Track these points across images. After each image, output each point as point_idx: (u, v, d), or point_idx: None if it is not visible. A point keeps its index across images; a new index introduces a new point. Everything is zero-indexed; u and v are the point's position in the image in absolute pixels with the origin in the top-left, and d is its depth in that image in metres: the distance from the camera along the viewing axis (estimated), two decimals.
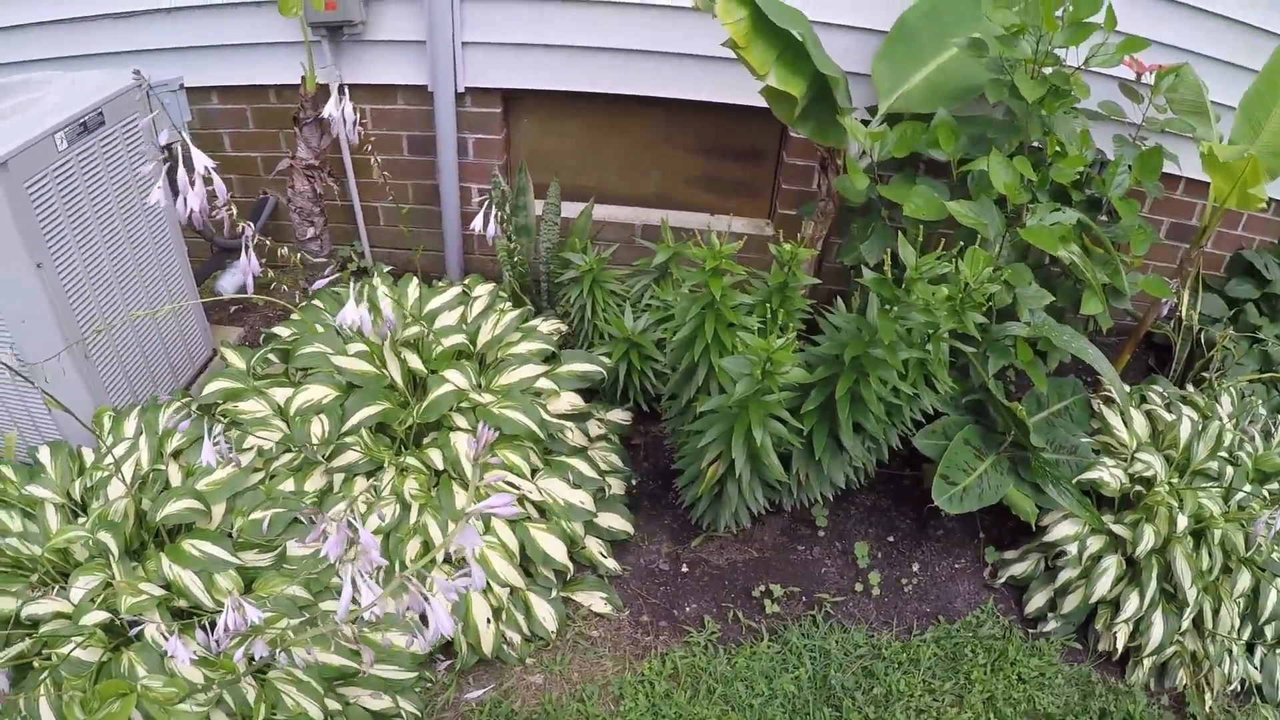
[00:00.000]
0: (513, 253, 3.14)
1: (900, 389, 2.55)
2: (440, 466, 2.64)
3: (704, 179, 3.58)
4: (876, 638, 2.75)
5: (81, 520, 2.61)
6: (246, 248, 2.29)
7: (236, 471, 2.56)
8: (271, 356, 2.98)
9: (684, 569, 2.91)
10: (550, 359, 2.90)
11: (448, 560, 2.56)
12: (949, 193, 2.92)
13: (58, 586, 2.52)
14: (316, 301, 3.08)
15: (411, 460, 2.65)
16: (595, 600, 2.76)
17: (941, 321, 2.48)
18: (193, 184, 2.12)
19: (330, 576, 2.55)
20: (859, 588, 2.87)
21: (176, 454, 2.77)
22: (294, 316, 3.05)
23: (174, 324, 3.27)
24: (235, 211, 2.27)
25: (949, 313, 2.50)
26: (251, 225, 2.32)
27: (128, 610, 2.33)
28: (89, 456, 2.84)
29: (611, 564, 2.82)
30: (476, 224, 2.65)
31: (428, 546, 2.54)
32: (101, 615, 2.35)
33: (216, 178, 2.14)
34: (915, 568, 2.94)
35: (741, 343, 2.47)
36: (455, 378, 2.69)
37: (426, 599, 1.58)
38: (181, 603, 2.41)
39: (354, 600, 1.73)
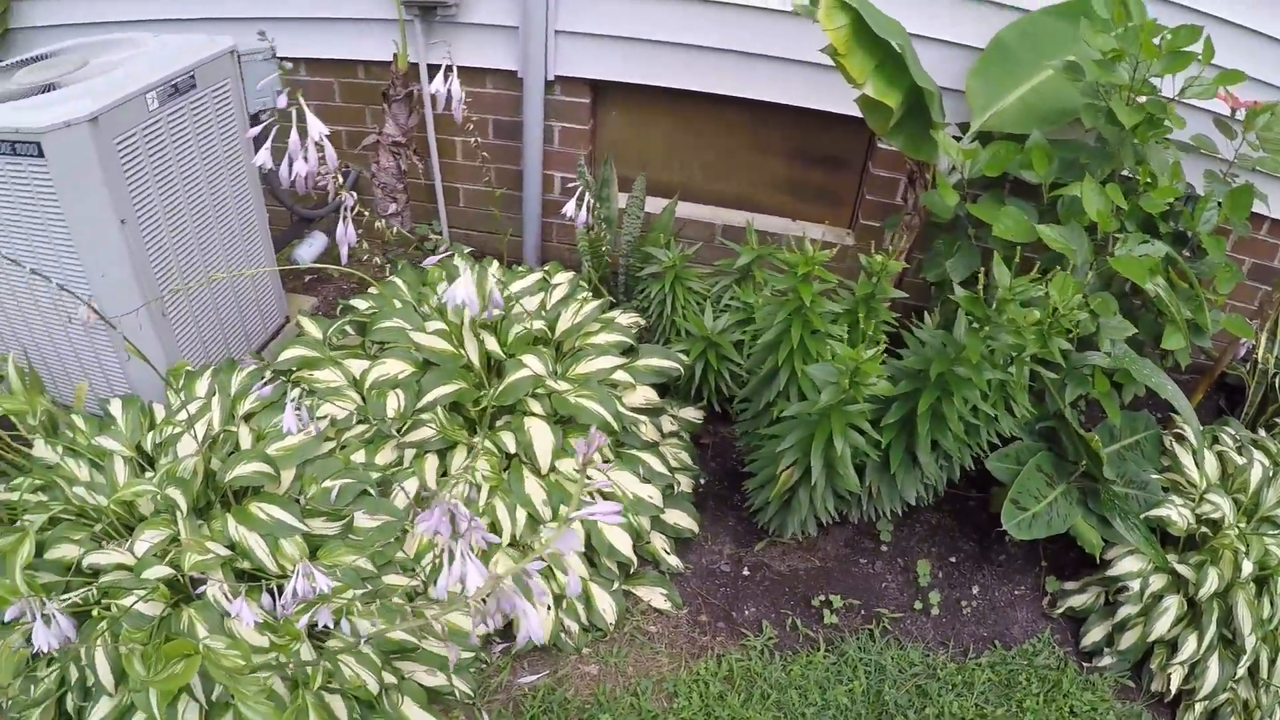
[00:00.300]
0: (594, 243, 3.14)
1: (981, 409, 2.52)
2: (512, 450, 2.64)
3: (786, 183, 3.56)
4: (932, 657, 2.73)
5: (149, 475, 2.63)
6: (345, 218, 2.30)
7: (308, 439, 2.56)
8: (348, 328, 2.99)
9: (745, 572, 2.89)
10: (628, 352, 2.89)
11: (513, 544, 2.56)
12: (1037, 215, 2.89)
13: (119, 540, 2.54)
14: (395, 277, 3.09)
15: (484, 442, 2.65)
16: (655, 596, 2.75)
17: (1028, 345, 2.46)
18: (305, 149, 2.13)
19: (395, 551, 2.56)
20: (918, 606, 2.85)
21: (248, 417, 2.78)
22: (372, 290, 3.06)
23: (250, 288, 3.29)
24: (341, 180, 2.27)
25: (1036, 336, 2.48)
26: (353, 196, 2.32)
27: (191, 568, 2.34)
28: (159, 412, 2.86)
29: (674, 561, 2.82)
30: (568, 209, 2.65)
31: (494, 528, 2.54)
32: (164, 570, 2.36)
33: (328, 145, 2.14)
34: (975, 590, 2.91)
35: (830, 350, 2.46)
36: (533, 363, 2.69)
37: (523, 608, 1.56)
38: (244, 565, 2.42)
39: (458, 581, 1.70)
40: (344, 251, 2.31)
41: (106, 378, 3.05)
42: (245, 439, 2.69)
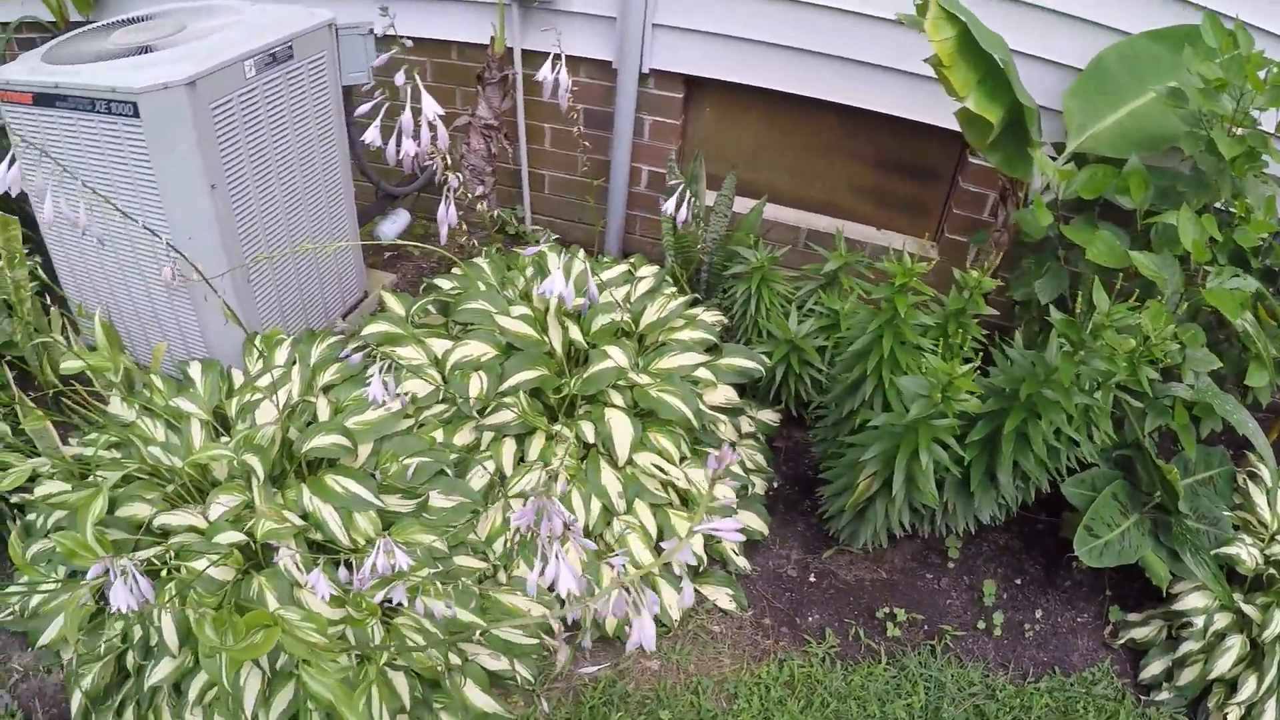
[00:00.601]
0: (680, 239, 3.13)
1: (1065, 433, 2.50)
2: (591, 440, 2.64)
3: (872, 191, 3.54)
4: (992, 678, 2.71)
5: (224, 439, 2.65)
6: (448, 199, 2.30)
7: (387, 415, 2.57)
8: (430, 307, 3.00)
9: (811, 578, 2.88)
10: (711, 350, 2.88)
11: (585, 535, 2.56)
12: (1128, 241, 2.86)
13: (191, 502, 2.56)
14: (480, 260, 3.10)
15: (564, 430, 2.65)
16: (721, 596, 2.74)
17: (1119, 372, 2.43)
18: (417, 128, 2.13)
19: (468, 533, 2.57)
20: (981, 625, 2.83)
21: (327, 388, 2.80)
22: (456, 271, 3.07)
23: (333, 261, 3.31)
24: (448, 162, 2.27)
25: (1126, 364, 2.45)
26: (458, 177, 2.32)
27: (263, 536, 2.35)
28: (237, 378, 2.88)
29: (742, 562, 2.81)
30: (668, 206, 2.64)
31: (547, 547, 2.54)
32: (237, 536, 2.38)
33: (441, 126, 2.14)
34: (1039, 614, 2.88)
35: (923, 363, 2.44)
36: (617, 355, 2.69)
37: (638, 609, 1.54)
38: (316, 536, 2.43)
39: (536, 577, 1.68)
40: (444, 232, 2.31)
41: (185, 341, 3.08)
42: (323, 410, 2.70)
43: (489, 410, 2.65)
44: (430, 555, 2.42)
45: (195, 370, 2.86)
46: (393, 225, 3.69)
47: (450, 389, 2.67)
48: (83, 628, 2.45)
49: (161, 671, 2.31)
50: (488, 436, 2.66)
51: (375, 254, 3.80)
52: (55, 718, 2.71)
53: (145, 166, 2.63)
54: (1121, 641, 2.83)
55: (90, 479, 2.60)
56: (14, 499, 2.77)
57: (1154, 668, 2.76)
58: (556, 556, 1.67)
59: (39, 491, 2.61)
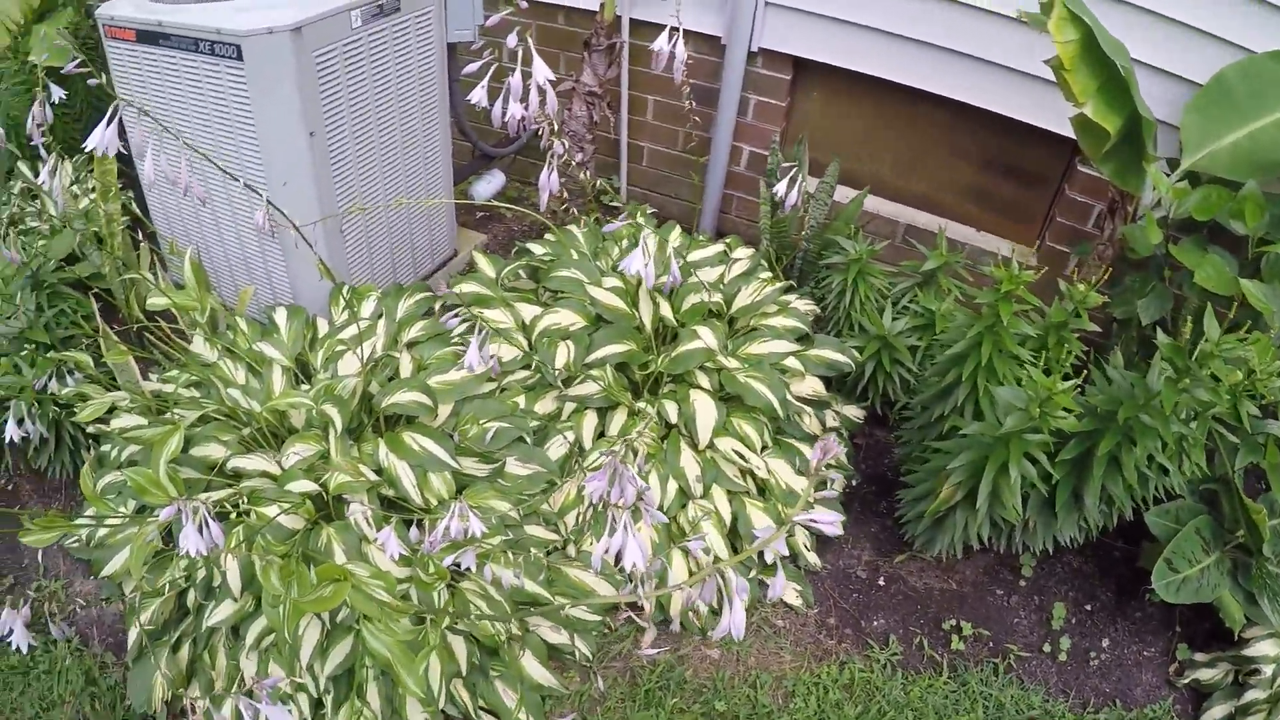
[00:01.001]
0: (778, 224, 3.08)
1: (1157, 460, 2.43)
2: (673, 420, 2.60)
3: (975, 191, 3.46)
4: (1051, 704, 2.64)
5: (305, 388, 2.64)
6: (551, 165, 2.26)
7: (470, 376, 2.55)
8: (521, 271, 2.97)
9: (880, 581, 2.83)
10: (801, 339, 2.83)
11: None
12: (1237, 267, 2.77)
13: (266, 448, 2.56)
14: (573, 228, 3.07)
15: (647, 407, 2.62)
16: (789, 591, 2.70)
17: (1220, 403, 2.36)
18: (526, 91, 2.10)
19: (541, 503, 2.55)
20: (1047, 648, 2.76)
21: (411, 344, 2.79)
22: (549, 237, 3.04)
23: (424, 218, 3.31)
24: (555, 127, 2.24)
25: (1228, 396, 2.37)
26: (563, 143, 2.29)
27: (336, 488, 2.35)
28: (322, 327, 2.88)
29: (813, 558, 2.77)
30: (780, 189, 2.58)
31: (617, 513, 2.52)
32: (310, 486, 2.38)
33: (550, 91, 2.11)
34: (1105, 643, 2.81)
35: (1024, 374, 2.38)
36: (707, 336, 2.65)
37: (729, 600, 1.50)
38: (389, 492, 2.42)
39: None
40: (544, 198, 2.28)
41: (272, 287, 3.09)
42: (405, 367, 2.69)
43: (574, 381, 2.62)
44: (502, 523, 2.40)
45: (281, 316, 2.87)
46: (487, 186, 3.68)
47: (538, 356, 2.64)
48: (147, 563, 2.47)
49: (221, 613, 2.32)
50: (569, 407, 2.64)
51: (467, 214, 3.79)
52: (111, 647, 2.74)
53: (245, 110, 2.63)
54: (1186, 681, 2.75)
55: (167, 416, 2.61)
56: (90, 429, 2.79)
57: (1216, 712, 2.68)
58: (625, 527, 1.64)
59: (115, 424, 2.63)
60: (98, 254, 3.20)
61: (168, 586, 2.44)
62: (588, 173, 3.38)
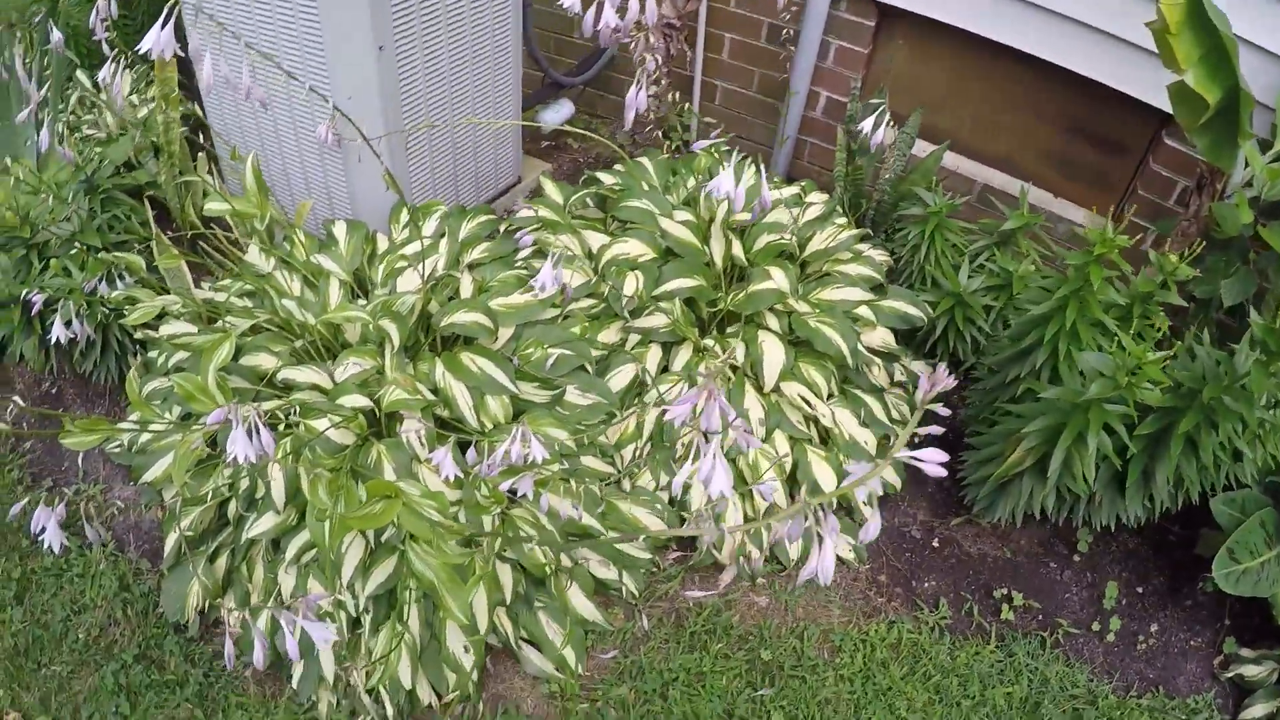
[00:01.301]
0: (854, 171, 3.00)
1: (1236, 445, 2.35)
2: (739, 361, 2.53)
3: (1055, 156, 3.35)
4: (1096, 684, 2.58)
5: (362, 302, 2.58)
6: (640, 82, 2.19)
7: (534, 301, 2.49)
8: (589, 200, 2.90)
9: (934, 543, 2.77)
10: (875, 289, 2.75)
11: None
12: None
13: (318, 361, 2.51)
14: (644, 159, 2.99)
15: (716, 345, 2.55)
16: (842, 545, 2.65)
17: None
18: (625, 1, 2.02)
19: (598, 435, 2.49)
20: (1096, 627, 2.70)
21: (473, 265, 2.72)
22: (618, 167, 2.97)
23: (491, 140, 3.23)
24: (651, 40, 2.16)
25: None
26: (655, 58, 2.21)
27: (390, 404, 2.30)
28: (380, 243, 2.82)
29: (869, 513, 2.70)
30: (865, 125, 2.49)
31: (705, 437, 2.45)
32: (363, 401, 2.32)
33: (652, 1, 2.03)
34: (1154, 628, 2.75)
35: (1105, 341, 2.30)
36: (779, 277, 2.58)
37: (820, 538, 1.43)
38: (443, 413, 2.37)
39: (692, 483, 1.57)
40: (629, 116, 2.20)
41: (330, 201, 3.03)
42: (466, 287, 2.64)
43: (642, 313, 2.55)
44: (559, 451, 2.34)
45: (340, 230, 2.81)
46: (555, 114, 3.61)
47: (609, 283, 2.57)
48: (189, 470, 2.42)
49: (262, 526, 2.29)
50: (633, 339, 2.57)
51: (532, 141, 3.72)
52: (148, 554, 2.72)
53: (312, 20, 2.55)
54: (1230, 675, 2.69)
55: (218, 324, 2.56)
56: (138, 335, 2.75)
57: (1256, 710, 2.61)
58: (714, 454, 1.57)
59: (164, 330, 2.60)
60: (154, 163, 3.15)
61: (210, 495, 2.40)
62: (657, 107, 3.30)
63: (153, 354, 2.63)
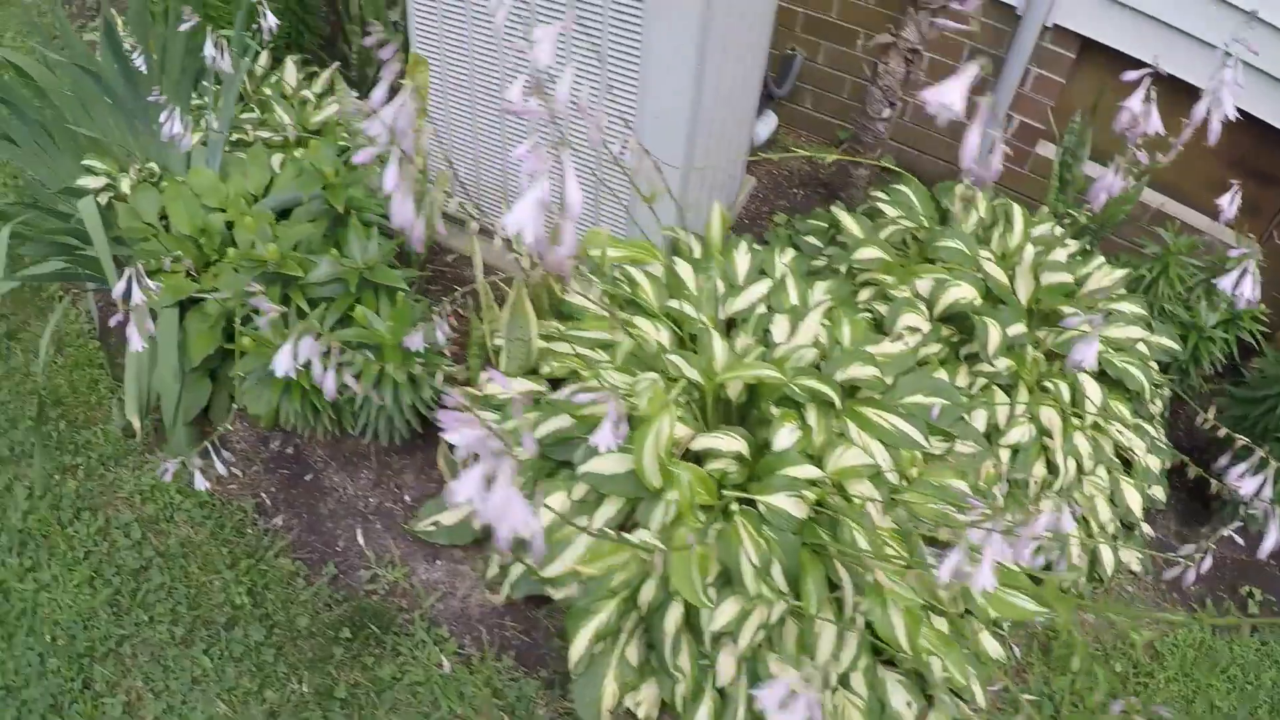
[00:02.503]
0: (1062, 201, 3.20)
1: None
2: (1065, 398, 2.69)
3: (1218, 185, 3.63)
4: None
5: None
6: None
7: (906, 350, 2.56)
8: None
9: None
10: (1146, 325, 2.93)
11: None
12: None
13: None
14: (903, 185, 3.06)
15: (1051, 385, 2.70)
16: (1132, 558, 2.89)
17: None
18: None
19: (974, 481, 2.52)
20: None
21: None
22: (881, 195, 3.04)
23: (732, 155, 3.22)
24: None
25: None
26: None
27: (835, 472, 2.30)
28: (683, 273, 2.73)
29: (1147, 529, 2.93)
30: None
31: (1048, 483, 2.63)
32: (813, 471, 2.26)
33: None
34: None
35: None
36: (1080, 319, 2.72)
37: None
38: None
39: None
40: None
41: (597, 214, 3.01)
42: (808, 331, 2.58)
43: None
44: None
45: (685, 269, 2.72)
46: (764, 127, 3.61)
47: (940, 329, 2.67)
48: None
49: (724, 616, 2.16)
50: (979, 383, 2.69)
51: None
52: (495, 647, 2.60)
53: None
54: None
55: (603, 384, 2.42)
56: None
57: None
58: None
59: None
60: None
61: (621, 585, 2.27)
62: (887, 129, 3.37)
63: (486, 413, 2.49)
